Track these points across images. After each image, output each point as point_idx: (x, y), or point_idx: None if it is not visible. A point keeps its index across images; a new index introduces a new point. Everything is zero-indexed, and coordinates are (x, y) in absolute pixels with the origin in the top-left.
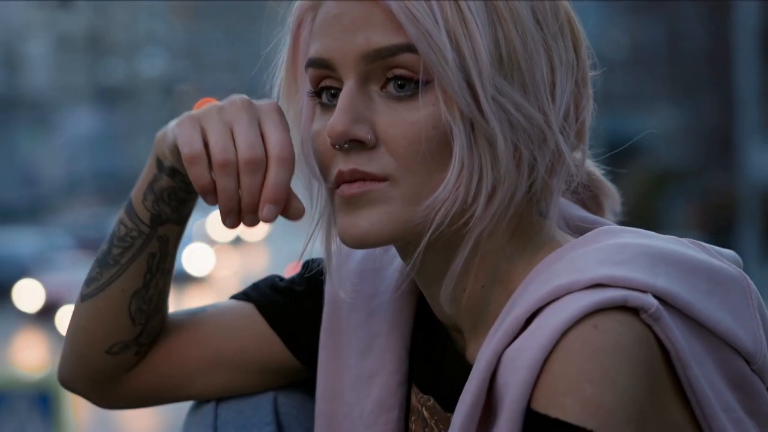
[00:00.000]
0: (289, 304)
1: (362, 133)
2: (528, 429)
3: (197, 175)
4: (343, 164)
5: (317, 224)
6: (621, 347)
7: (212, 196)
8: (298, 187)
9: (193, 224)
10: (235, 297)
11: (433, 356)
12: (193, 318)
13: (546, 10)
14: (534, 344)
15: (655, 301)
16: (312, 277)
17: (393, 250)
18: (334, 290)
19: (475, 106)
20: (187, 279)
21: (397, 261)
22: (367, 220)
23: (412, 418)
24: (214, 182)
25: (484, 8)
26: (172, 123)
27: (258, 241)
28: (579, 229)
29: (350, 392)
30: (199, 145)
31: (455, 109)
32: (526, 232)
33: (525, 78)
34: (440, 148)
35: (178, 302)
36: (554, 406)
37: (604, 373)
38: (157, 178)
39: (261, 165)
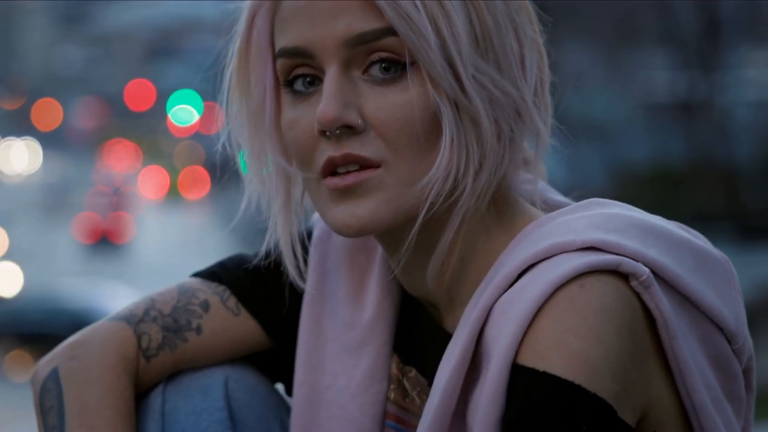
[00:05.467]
0: (261, 285)
1: (352, 118)
2: (515, 384)
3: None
4: (333, 150)
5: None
6: (606, 307)
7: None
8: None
9: None
10: (202, 276)
11: (413, 328)
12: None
13: None
14: (526, 296)
15: (646, 270)
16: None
17: None
18: (320, 259)
19: (457, 85)
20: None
21: None
22: (366, 208)
23: (391, 387)
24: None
25: None
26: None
27: None
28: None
29: (334, 363)
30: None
31: (440, 90)
32: (501, 203)
33: (498, 55)
34: (430, 127)
35: (10, 318)
36: (541, 359)
37: (590, 329)
38: None
39: None
